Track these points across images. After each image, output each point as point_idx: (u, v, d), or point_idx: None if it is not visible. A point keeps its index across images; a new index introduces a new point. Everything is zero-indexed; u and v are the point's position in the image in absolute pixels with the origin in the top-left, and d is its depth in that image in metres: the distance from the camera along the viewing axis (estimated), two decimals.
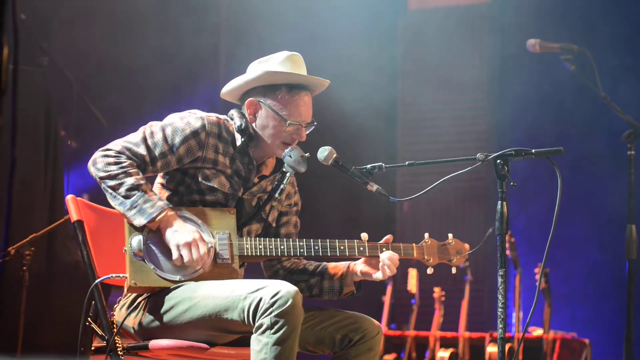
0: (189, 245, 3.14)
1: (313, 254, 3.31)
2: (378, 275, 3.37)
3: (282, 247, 3.29)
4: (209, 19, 7.85)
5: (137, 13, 7.34)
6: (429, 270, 3.43)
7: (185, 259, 3.13)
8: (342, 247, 3.32)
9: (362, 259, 3.41)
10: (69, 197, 3.45)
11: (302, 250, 3.29)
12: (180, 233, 3.15)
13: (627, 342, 4.45)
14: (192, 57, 7.76)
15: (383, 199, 3.38)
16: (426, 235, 3.46)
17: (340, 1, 7.98)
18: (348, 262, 3.45)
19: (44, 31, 6.63)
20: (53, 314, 5.77)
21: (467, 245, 3.53)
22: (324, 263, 3.50)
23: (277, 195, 3.42)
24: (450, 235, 3.50)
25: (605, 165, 7.40)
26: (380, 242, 3.39)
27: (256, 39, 7.79)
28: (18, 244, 4.92)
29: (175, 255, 3.14)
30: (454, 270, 3.51)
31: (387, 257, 3.33)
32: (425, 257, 3.44)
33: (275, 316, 2.96)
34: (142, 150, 3.24)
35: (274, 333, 2.96)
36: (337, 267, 3.46)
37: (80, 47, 7.07)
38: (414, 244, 3.44)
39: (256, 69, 3.39)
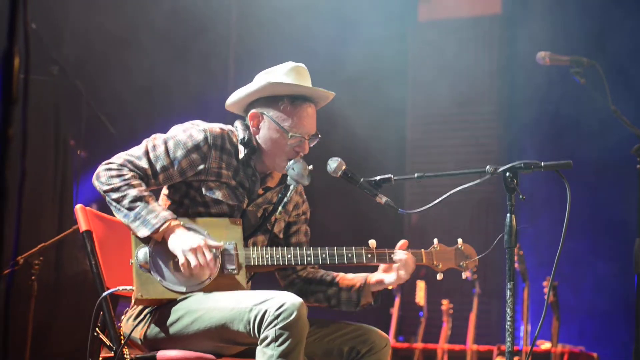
0: (194, 250, 3.11)
1: (320, 262, 3.28)
2: (390, 279, 3.34)
3: (289, 256, 3.26)
4: (219, 29, 7.87)
5: (147, 23, 7.36)
6: (439, 276, 3.39)
7: (192, 263, 3.10)
8: (349, 255, 3.30)
9: (380, 269, 3.37)
10: (78, 207, 3.45)
11: (309, 258, 3.27)
12: (186, 240, 3.13)
13: (635, 356, 4.43)
14: (202, 67, 7.77)
15: (392, 211, 3.36)
16: (435, 240, 3.44)
17: (349, 12, 7.99)
18: (366, 274, 3.42)
19: (55, 41, 6.65)
20: (61, 323, 5.77)
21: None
22: (341, 274, 3.47)
23: (280, 208, 3.40)
24: (459, 240, 3.47)
25: (615, 178, 7.38)
26: (397, 247, 3.35)
27: (265, 48, 7.80)
28: (27, 254, 4.92)
29: (181, 260, 3.11)
30: (464, 276, 3.47)
31: (400, 259, 3.30)
32: (435, 262, 3.41)
33: (280, 328, 2.94)
34: (143, 163, 3.23)
35: (279, 345, 2.94)
36: (354, 279, 3.42)
37: (90, 56, 7.09)
38: (422, 250, 3.41)
39: (259, 80, 3.37)
